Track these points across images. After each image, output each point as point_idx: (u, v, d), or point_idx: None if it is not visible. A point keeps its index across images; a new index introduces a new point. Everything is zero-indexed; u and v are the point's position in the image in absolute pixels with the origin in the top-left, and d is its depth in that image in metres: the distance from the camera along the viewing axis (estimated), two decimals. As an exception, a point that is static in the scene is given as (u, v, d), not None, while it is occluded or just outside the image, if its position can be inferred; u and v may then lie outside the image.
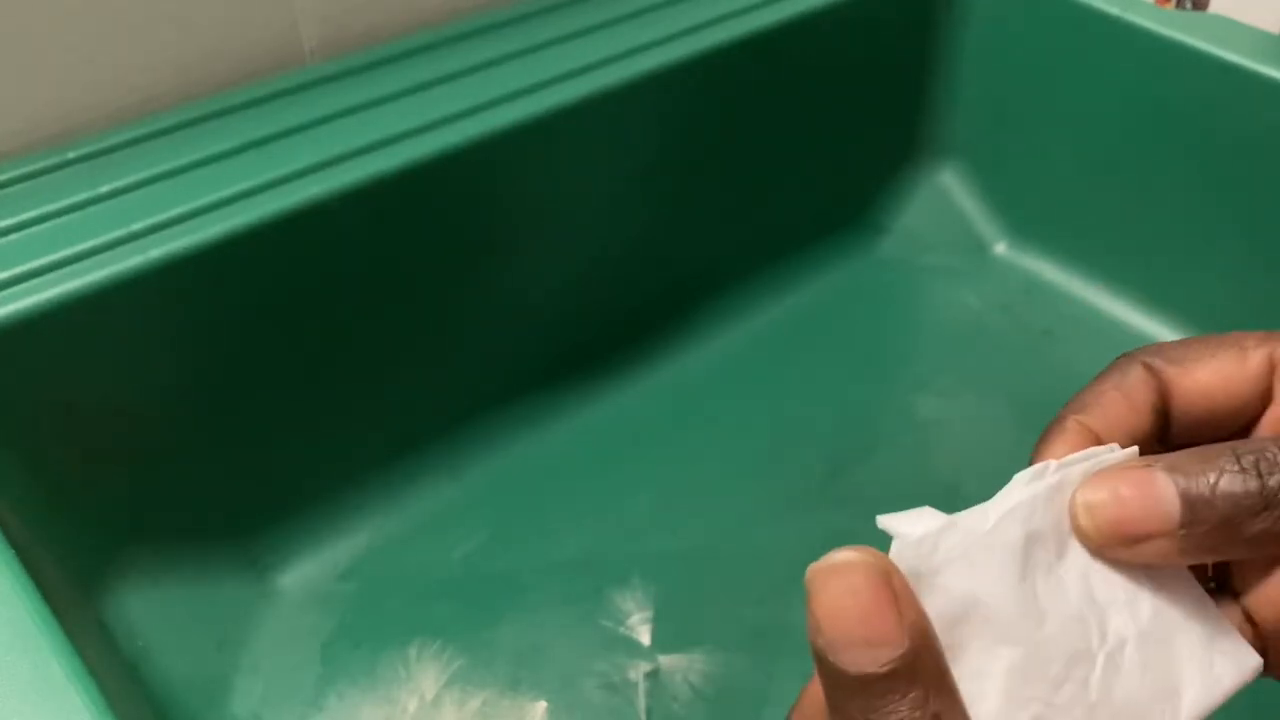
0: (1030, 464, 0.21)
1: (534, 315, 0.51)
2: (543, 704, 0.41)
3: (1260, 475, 0.18)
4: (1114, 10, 0.51)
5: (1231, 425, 0.22)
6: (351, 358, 0.46)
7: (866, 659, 0.19)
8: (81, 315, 0.37)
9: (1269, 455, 0.18)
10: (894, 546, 0.20)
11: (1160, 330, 0.55)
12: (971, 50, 0.58)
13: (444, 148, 0.43)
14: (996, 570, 0.19)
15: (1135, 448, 0.20)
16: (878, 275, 0.60)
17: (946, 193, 0.61)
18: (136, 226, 0.39)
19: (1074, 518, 0.20)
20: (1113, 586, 0.19)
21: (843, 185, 0.61)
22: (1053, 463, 0.20)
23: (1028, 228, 0.60)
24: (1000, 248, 0.60)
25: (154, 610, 0.41)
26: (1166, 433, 0.22)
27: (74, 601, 0.38)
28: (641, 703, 0.41)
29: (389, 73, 0.47)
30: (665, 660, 0.42)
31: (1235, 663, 0.20)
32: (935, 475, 0.49)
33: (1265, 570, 0.20)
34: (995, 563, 0.19)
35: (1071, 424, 0.22)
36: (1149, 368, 0.22)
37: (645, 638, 0.43)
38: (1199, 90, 0.49)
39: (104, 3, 0.42)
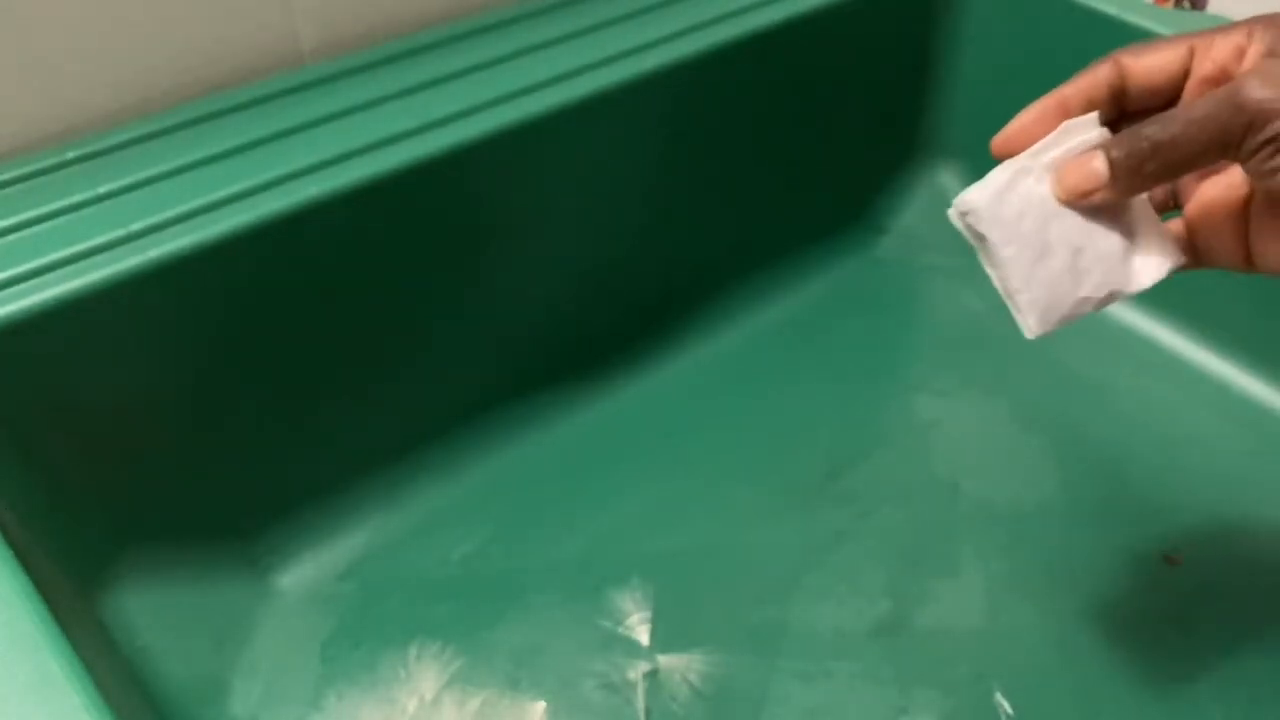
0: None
1: (533, 315, 0.51)
2: (542, 704, 0.41)
3: (1139, 140, 0.30)
4: (1112, 10, 0.51)
5: (1169, 94, 0.33)
6: (350, 358, 0.46)
7: None
8: (81, 315, 0.37)
9: (1140, 132, 0.30)
10: (973, 205, 0.33)
11: (1159, 330, 0.55)
12: (970, 51, 0.58)
13: (443, 148, 0.43)
14: (1028, 210, 0.32)
15: (1090, 117, 0.32)
16: (877, 275, 0.60)
17: (946, 193, 0.61)
18: (135, 227, 0.39)
19: (1053, 189, 0.32)
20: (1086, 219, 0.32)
21: (842, 186, 0.61)
22: (1038, 147, 0.32)
23: (1027, 228, 0.60)
24: (999, 248, 0.60)
25: (153, 610, 0.41)
26: (1126, 99, 0.33)
27: (73, 601, 0.38)
28: (640, 703, 0.41)
29: (387, 73, 0.47)
30: (664, 660, 0.42)
31: (1165, 256, 0.33)
32: (935, 475, 0.49)
33: (1191, 190, 0.34)
34: (1026, 206, 0.32)
35: (1053, 96, 0.33)
36: (1115, 58, 0.33)
37: (644, 638, 0.43)
38: (1198, 90, 0.49)
39: (103, 4, 0.42)
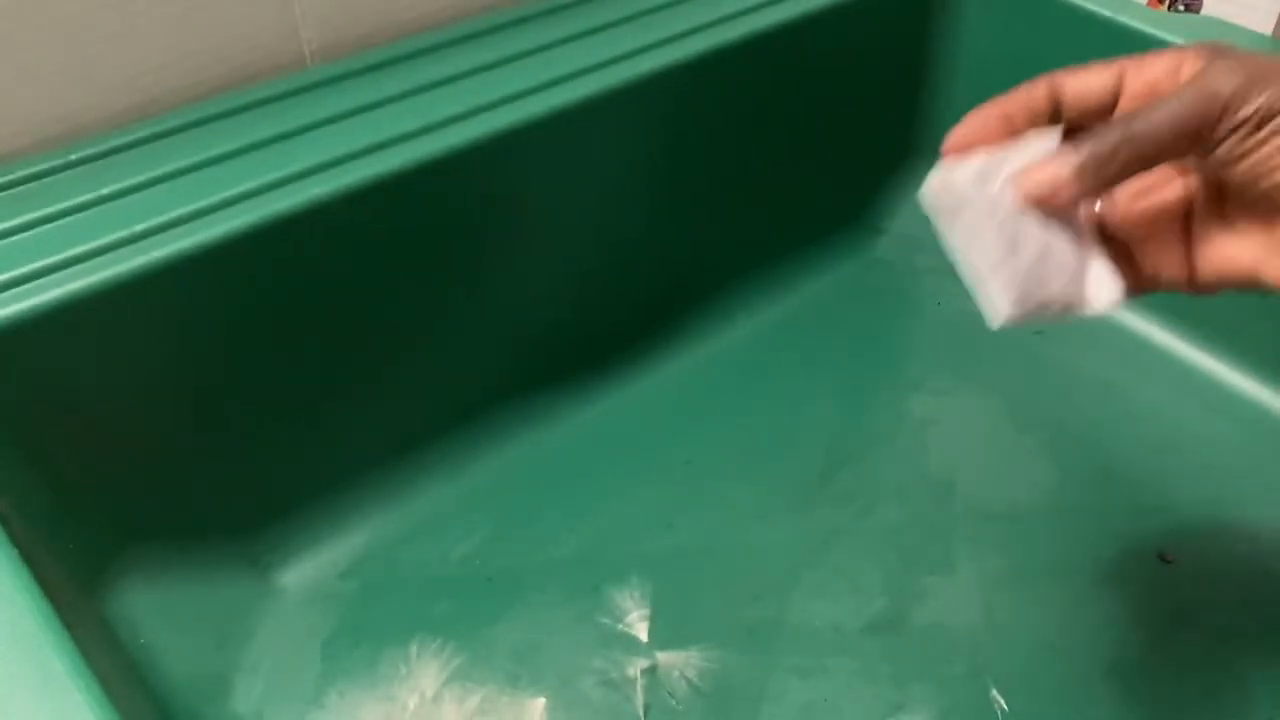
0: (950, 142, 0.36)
1: (534, 315, 0.51)
2: (542, 701, 0.41)
3: (1111, 133, 0.31)
4: (1107, 12, 0.51)
5: (1101, 114, 0.34)
6: (352, 357, 0.46)
7: None
8: (84, 316, 0.38)
9: (1111, 128, 0.31)
10: (950, 183, 0.34)
11: (1152, 329, 0.56)
12: (966, 52, 0.58)
13: (445, 149, 0.43)
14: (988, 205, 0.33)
15: (1046, 133, 0.33)
16: (874, 276, 0.61)
17: (942, 194, 0.62)
18: (139, 228, 0.39)
19: (1015, 191, 0.33)
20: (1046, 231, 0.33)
21: (840, 187, 0.61)
22: (999, 153, 0.34)
23: (1023, 228, 0.60)
24: (996, 248, 0.61)
25: (156, 609, 0.41)
26: (1061, 116, 0.34)
27: (76, 600, 0.38)
28: (639, 699, 0.41)
29: (389, 75, 0.47)
30: (663, 657, 0.42)
31: (1114, 284, 0.33)
32: (930, 474, 0.50)
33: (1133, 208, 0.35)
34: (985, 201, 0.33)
35: (996, 105, 0.35)
36: (1049, 77, 0.34)
37: (643, 635, 0.43)
38: (1192, 92, 0.50)
39: (106, 5, 0.42)
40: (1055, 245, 0.33)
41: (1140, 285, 0.35)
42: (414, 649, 0.43)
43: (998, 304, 0.33)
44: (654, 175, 0.52)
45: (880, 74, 0.58)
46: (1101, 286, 0.33)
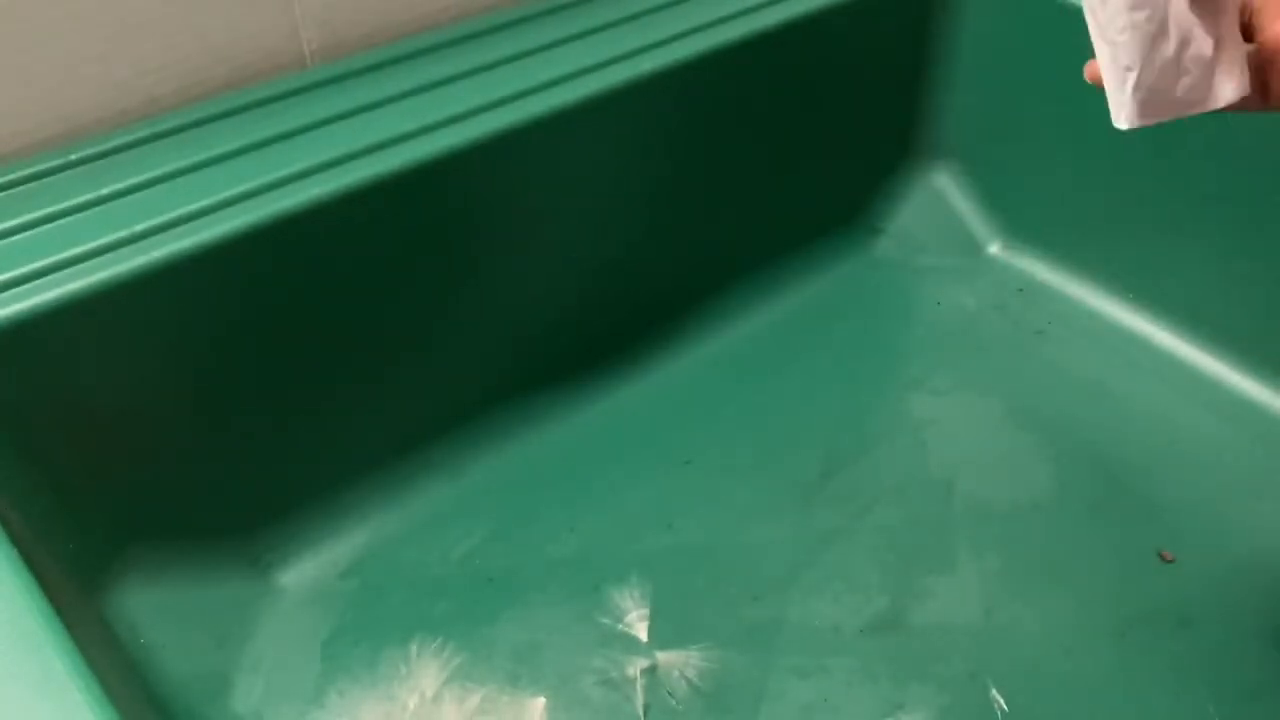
0: None
1: (533, 315, 0.51)
2: (542, 700, 0.41)
3: None
4: (1107, 12, 0.51)
5: None
6: (352, 358, 0.46)
7: None
8: (84, 316, 0.38)
9: None
10: None
11: (1151, 329, 0.56)
12: (966, 54, 0.58)
13: (444, 150, 0.43)
14: None
15: None
16: (873, 276, 0.61)
17: (941, 194, 0.62)
18: (139, 228, 0.39)
19: None
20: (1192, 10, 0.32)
21: (839, 187, 0.61)
22: None
23: (1021, 229, 0.60)
24: (994, 248, 0.61)
25: (156, 608, 0.42)
26: None
27: (76, 599, 0.38)
28: (639, 699, 0.41)
29: (389, 75, 0.47)
30: (663, 656, 0.42)
31: (1242, 78, 0.32)
32: (930, 473, 0.50)
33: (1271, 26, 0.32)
34: None
35: None
36: None
37: (643, 634, 0.43)
38: (1191, 92, 0.50)
39: (107, 6, 0.42)
40: (1196, 36, 0.32)
41: (1263, 101, 0.34)
42: (414, 648, 0.43)
43: (1128, 104, 0.33)
44: (654, 175, 0.52)
45: (880, 75, 0.59)
46: (1229, 83, 0.33)
